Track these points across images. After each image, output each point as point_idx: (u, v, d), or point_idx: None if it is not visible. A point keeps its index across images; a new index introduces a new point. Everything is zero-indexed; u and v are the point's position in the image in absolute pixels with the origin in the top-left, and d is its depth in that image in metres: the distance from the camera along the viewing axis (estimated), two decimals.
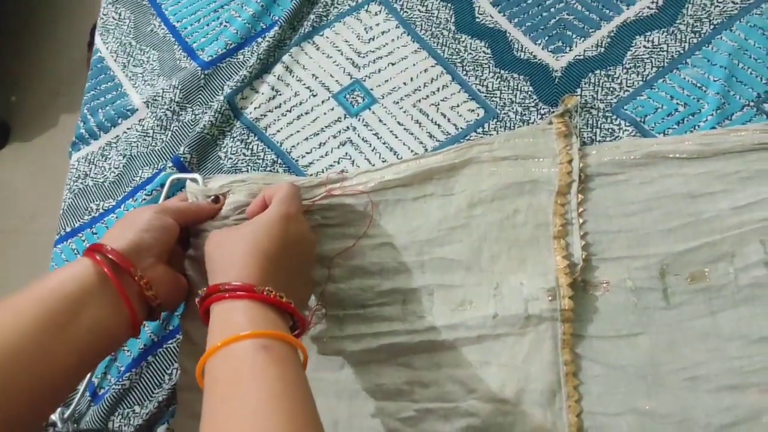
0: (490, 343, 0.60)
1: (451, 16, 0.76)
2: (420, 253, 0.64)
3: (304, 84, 0.76)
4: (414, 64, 0.74)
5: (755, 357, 0.56)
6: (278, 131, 0.74)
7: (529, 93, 0.70)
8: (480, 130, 0.70)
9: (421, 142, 0.70)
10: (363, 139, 0.72)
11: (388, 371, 0.61)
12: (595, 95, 0.68)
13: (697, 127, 0.65)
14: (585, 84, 0.69)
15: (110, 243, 0.54)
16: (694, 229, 0.60)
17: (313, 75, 0.76)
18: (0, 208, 1.88)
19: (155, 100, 0.79)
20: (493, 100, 0.71)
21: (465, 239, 0.64)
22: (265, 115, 0.75)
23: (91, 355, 0.52)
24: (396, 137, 0.71)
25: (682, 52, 0.68)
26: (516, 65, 0.72)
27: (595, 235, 0.62)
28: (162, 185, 0.71)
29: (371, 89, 0.74)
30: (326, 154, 0.72)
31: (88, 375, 0.65)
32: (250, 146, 0.74)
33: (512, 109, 0.70)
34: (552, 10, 0.74)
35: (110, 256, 0.53)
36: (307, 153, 0.73)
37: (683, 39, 0.69)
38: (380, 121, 0.72)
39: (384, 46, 0.76)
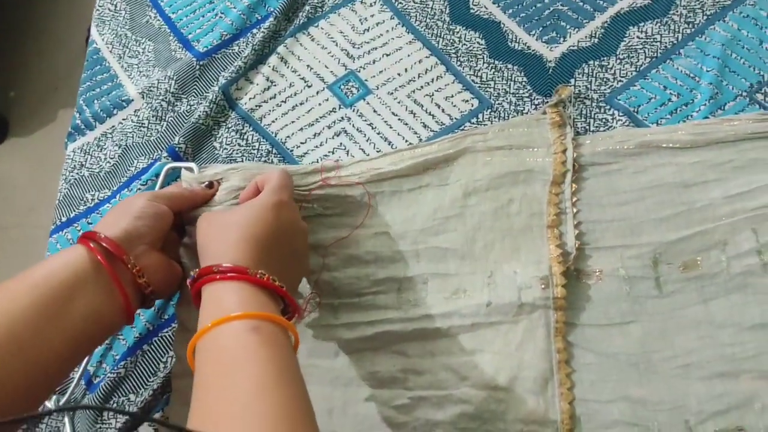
0: (483, 331, 0.60)
1: (445, 7, 0.76)
2: (415, 243, 0.64)
3: (299, 75, 0.76)
4: (409, 55, 0.75)
5: (747, 344, 0.56)
6: (273, 122, 0.75)
7: (523, 83, 0.71)
8: (474, 120, 0.70)
9: (416, 133, 0.71)
10: (358, 129, 0.72)
11: (383, 359, 0.62)
12: (588, 85, 0.69)
13: (690, 117, 0.65)
14: (579, 74, 0.69)
15: (103, 230, 0.54)
16: (687, 218, 0.60)
17: (308, 66, 0.76)
18: None
19: (150, 90, 0.79)
20: (487, 91, 0.71)
21: (460, 228, 0.64)
22: (260, 106, 0.75)
23: (84, 341, 0.52)
24: (390, 127, 0.71)
25: (675, 42, 0.69)
26: (510, 56, 0.72)
27: (588, 224, 0.62)
28: (157, 175, 0.71)
29: (366, 80, 0.74)
30: (321, 145, 0.72)
31: (84, 363, 0.65)
32: (245, 136, 0.74)
33: (506, 99, 0.70)
34: (546, 1, 0.74)
35: (103, 244, 0.53)
36: (302, 143, 0.73)
37: (676, 29, 0.69)
38: (375, 111, 0.73)
39: (379, 37, 0.76)
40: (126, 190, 0.75)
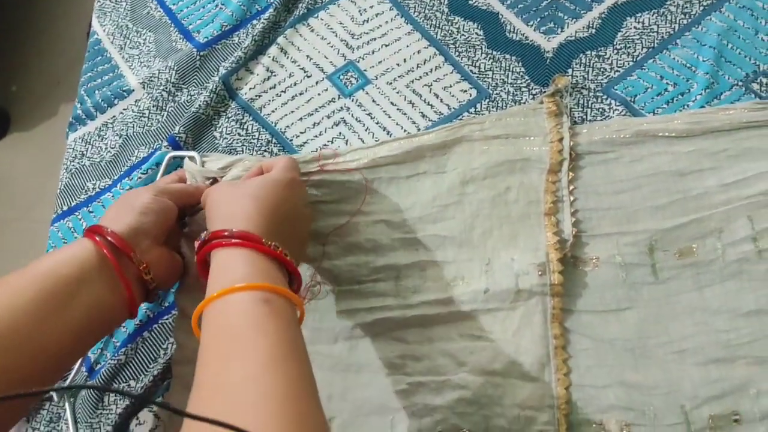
0: (481, 318, 0.61)
1: None
2: (413, 230, 0.65)
3: (299, 65, 0.77)
4: (407, 46, 0.75)
5: (742, 330, 0.57)
6: (273, 111, 0.75)
7: (521, 74, 0.71)
8: (472, 110, 0.70)
9: (414, 122, 0.71)
10: (357, 119, 0.73)
11: (382, 345, 0.62)
12: (586, 75, 0.69)
13: (686, 107, 0.65)
14: (576, 64, 0.70)
15: (109, 225, 0.54)
16: (683, 206, 0.61)
17: (308, 56, 0.77)
18: (0, 196, 1.88)
19: (151, 81, 0.80)
20: (485, 81, 0.71)
21: (458, 216, 0.64)
22: (260, 96, 0.76)
23: (87, 334, 0.53)
24: (389, 117, 0.72)
25: (672, 32, 0.69)
26: (508, 46, 0.73)
27: (585, 212, 0.63)
28: (158, 164, 0.72)
29: (365, 70, 0.75)
30: (320, 134, 0.73)
31: None
32: (245, 126, 0.75)
33: (504, 89, 0.71)
34: None
35: (110, 239, 0.53)
36: (302, 133, 0.73)
37: (673, 20, 0.70)
38: (374, 101, 0.73)
39: (378, 27, 0.77)
40: (126, 179, 0.75)
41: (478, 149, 0.66)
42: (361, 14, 0.78)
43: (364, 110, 0.73)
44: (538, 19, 0.73)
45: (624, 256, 0.61)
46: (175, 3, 0.85)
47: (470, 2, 0.76)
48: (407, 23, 0.76)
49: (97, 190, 0.76)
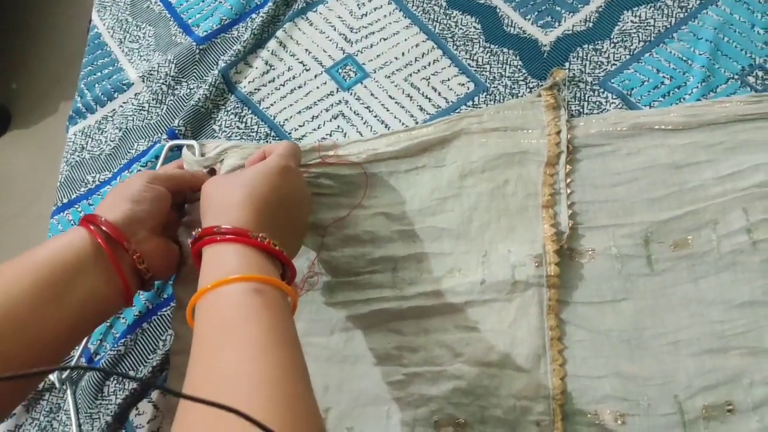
0: (477, 309, 0.61)
1: None
2: (411, 223, 0.65)
3: (298, 59, 0.77)
4: (405, 39, 0.75)
5: (736, 321, 0.57)
6: (272, 105, 0.75)
7: (519, 67, 0.71)
8: (470, 103, 0.71)
9: (412, 116, 0.71)
10: (355, 112, 0.73)
11: (378, 337, 0.63)
12: (583, 69, 0.70)
13: (682, 100, 0.66)
14: (573, 58, 0.70)
15: (104, 214, 0.54)
16: (679, 198, 0.61)
17: (307, 50, 0.77)
18: (0, 194, 1.89)
19: (151, 74, 0.80)
20: (482, 74, 0.72)
21: (456, 209, 0.65)
22: (258, 89, 0.76)
23: (84, 322, 0.53)
24: (387, 110, 0.72)
25: (668, 26, 0.69)
26: (506, 40, 0.73)
27: (582, 204, 0.63)
28: (157, 157, 0.73)
29: (363, 64, 0.75)
30: (318, 127, 0.73)
31: (84, 341, 0.66)
32: (244, 119, 0.75)
33: (502, 82, 0.71)
34: None
35: (104, 228, 0.53)
36: (300, 126, 0.74)
37: (670, 14, 0.70)
38: (372, 94, 0.73)
39: (376, 21, 0.77)
40: (126, 172, 0.76)
41: (476, 142, 0.67)
42: (359, 8, 0.78)
43: (363, 103, 0.73)
44: (536, 13, 0.74)
45: (620, 247, 0.61)
46: None
47: None
48: (405, 17, 0.77)
49: (97, 182, 0.77)
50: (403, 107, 0.72)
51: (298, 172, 0.58)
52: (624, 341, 0.59)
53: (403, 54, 0.75)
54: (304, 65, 0.77)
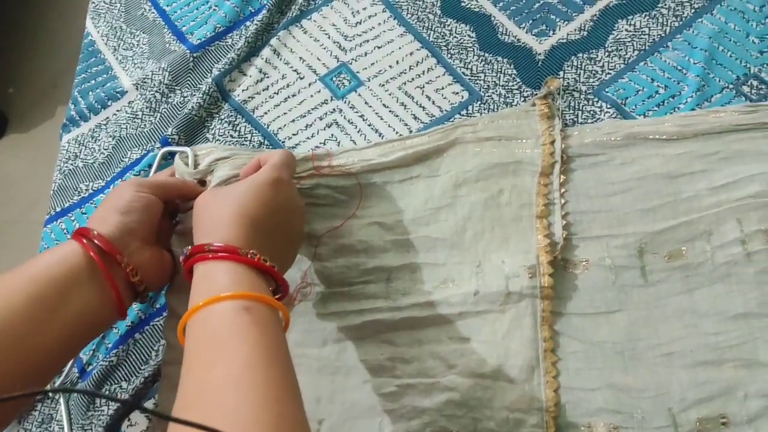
0: (470, 320, 0.61)
1: (437, 1, 0.77)
2: (405, 233, 0.65)
3: (292, 67, 0.77)
4: (400, 48, 0.75)
5: (730, 333, 0.57)
6: (265, 113, 0.75)
7: (513, 76, 0.71)
8: (464, 112, 0.71)
9: (406, 124, 0.71)
10: (349, 120, 0.73)
11: (371, 348, 0.62)
12: (577, 78, 0.69)
13: (677, 109, 0.66)
14: (567, 67, 0.70)
15: (96, 227, 0.54)
16: (673, 209, 0.61)
17: (301, 58, 0.77)
18: None
19: (144, 82, 0.80)
20: (477, 83, 0.72)
21: (450, 218, 0.64)
22: (252, 98, 0.76)
23: (78, 336, 0.53)
24: (381, 119, 0.72)
25: (663, 35, 0.69)
26: (500, 48, 0.73)
27: (576, 214, 0.63)
28: (150, 165, 0.72)
29: (358, 72, 0.75)
30: (312, 136, 0.73)
31: None
32: (238, 128, 0.75)
33: (496, 91, 0.71)
34: None
35: (96, 242, 0.53)
36: (294, 134, 0.73)
37: (665, 23, 0.70)
38: (366, 103, 0.73)
39: (370, 29, 0.77)
40: (120, 180, 0.76)
41: (470, 151, 0.66)
42: (353, 16, 0.78)
43: (357, 112, 0.73)
44: (530, 22, 0.73)
45: (614, 258, 0.61)
46: (168, 5, 0.85)
47: (463, 4, 0.76)
48: (400, 25, 0.76)
49: (90, 191, 0.77)
50: (397, 116, 0.72)
51: (290, 183, 0.57)
52: (618, 353, 0.58)
53: (397, 62, 0.74)
54: (298, 73, 0.76)
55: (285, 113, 0.75)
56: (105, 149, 0.78)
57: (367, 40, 0.77)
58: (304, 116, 0.74)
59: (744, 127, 0.62)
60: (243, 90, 0.76)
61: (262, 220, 0.53)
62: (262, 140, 0.74)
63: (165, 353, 0.64)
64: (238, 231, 0.51)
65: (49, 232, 0.76)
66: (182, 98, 0.79)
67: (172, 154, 0.72)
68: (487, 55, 0.73)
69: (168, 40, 0.83)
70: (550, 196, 0.63)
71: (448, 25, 0.75)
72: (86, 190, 0.77)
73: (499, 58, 0.72)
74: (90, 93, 0.82)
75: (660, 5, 0.70)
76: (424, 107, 0.72)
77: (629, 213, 0.62)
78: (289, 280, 0.55)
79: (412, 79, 0.73)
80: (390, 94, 0.73)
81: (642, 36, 0.70)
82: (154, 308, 0.69)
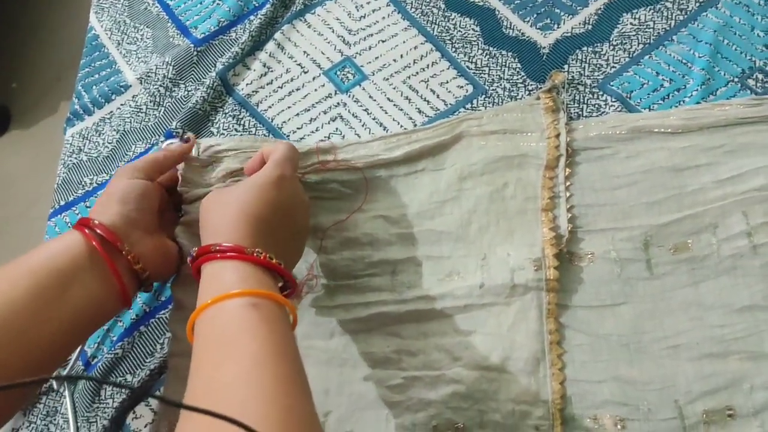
0: (476, 313, 0.61)
1: None
2: (410, 226, 0.65)
3: (296, 61, 0.77)
4: (404, 42, 0.75)
5: (736, 326, 0.57)
6: (270, 107, 0.75)
7: (517, 69, 0.71)
8: (468, 106, 0.71)
9: (411, 118, 0.71)
10: (353, 114, 0.73)
11: (377, 340, 0.62)
12: (582, 71, 0.69)
13: (682, 103, 0.65)
14: (572, 60, 0.70)
15: (98, 216, 0.54)
16: (678, 202, 0.61)
17: (305, 52, 0.77)
18: (0, 194, 1.89)
19: (148, 76, 0.80)
20: (481, 77, 0.72)
21: (455, 212, 0.64)
22: (256, 92, 0.76)
23: (83, 326, 0.53)
24: (386, 113, 0.72)
25: (668, 29, 0.69)
26: (504, 42, 0.73)
27: (581, 207, 0.63)
28: None
29: (362, 66, 0.75)
30: (317, 130, 0.73)
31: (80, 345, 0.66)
32: (242, 122, 0.75)
33: (500, 85, 0.71)
34: None
35: (98, 231, 0.53)
36: (298, 128, 0.73)
37: (669, 16, 0.70)
38: (370, 97, 0.73)
39: (375, 23, 0.77)
40: None
41: (475, 144, 0.66)
42: (357, 10, 0.78)
43: (361, 106, 0.73)
44: (535, 15, 0.73)
45: (619, 251, 0.61)
46: None
47: None
48: (404, 19, 0.76)
49: (95, 185, 0.77)
50: (401, 110, 0.72)
51: (293, 179, 0.58)
52: (623, 345, 0.58)
53: (401, 56, 0.74)
54: (302, 67, 0.76)
55: (289, 107, 0.75)
56: (109, 143, 0.78)
57: (371, 34, 0.76)
58: (308, 110, 0.74)
59: (749, 120, 0.62)
60: (247, 84, 0.76)
61: (267, 219, 0.53)
62: (267, 134, 0.74)
63: (171, 345, 0.64)
64: (244, 231, 0.51)
65: (53, 225, 0.76)
66: (186, 92, 0.79)
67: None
68: (491, 48, 0.73)
69: (172, 34, 0.83)
70: (555, 189, 0.63)
71: (453, 19, 0.75)
72: (90, 184, 0.77)
73: (504, 52, 0.72)
74: (94, 87, 0.82)
75: None
76: (428, 101, 0.72)
77: (635, 206, 0.62)
78: (295, 273, 0.55)
79: (417, 73, 0.73)
80: (394, 88, 0.73)
81: (647, 29, 0.69)
82: (159, 301, 0.69)
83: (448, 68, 0.73)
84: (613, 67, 0.69)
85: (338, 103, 0.74)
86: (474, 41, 0.73)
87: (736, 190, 0.60)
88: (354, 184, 0.66)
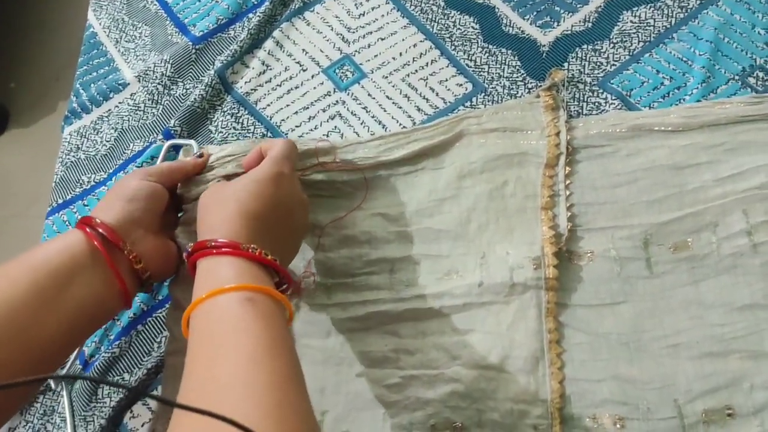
0: (475, 311, 0.61)
1: None
2: (409, 224, 0.64)
3: (295, 59, 0.77)
4: (403, 39, 0.75)
5: (736, 324, 0.57)
6: (268, 105, 0.75)
7: (517, 67, 0.71)
8: (468, 104, 0.70)
9: (410, 116, 0.71)
10: (352, 112, 0.72)
11: (375, 339, 0.62)
12: (582, 69, 0.69)
13: (682, 101, 0.65)
14: (572, 58, 0.70)
15: (100, 215, 0.54)
16: (679, 200, 0.61)
17: (304, 50, 0.77)
18: None
19: (147, 74, 0.80)
20: (481, 75, 0.71)
21: (454, 210, 0.64)
22: (255, 90, 0.76)
23: (83, 325, 0.52)
24: (385, 111, 0.72)
25: (668, 26, 0.69)
26: (504, 40, 0.72)
27: (581, 206, 0.63)
28: (152, 157, 0.72)
29: (361, 64, 0.75)
30: (315, 128, 0.73)
31: None
32: (240, 120, 0.75)
33: (500, 83, 0.70)
34: None
35: (100, 230, 0.53)
36: (297, 126, 0.73)
37: (670, 14, 0.69)
38: (369, 95, 0.73)
39: (374, 21, 0.77)
40: (122, 172, 0.75)
41: (475, 143, 0.66)
42: (357, 8, 0.78)
43: (360, 104, 0.73)
44: (535, 13, 0.73)
45: (619, 250, 0.60)
46: None
47: None
48: (403, 17, 0.76)
49: (93, 183, 0.76)
50: (400, 108, 0.71)
51: (291, 176, 0.57)
52: (623, 344, 0.58)
53: (400, 54, 0.74)
54: (301, 65, 0.76)
55: (288, 105, 0.74)
56: (107, 141, 0.78)
57: (371, 32, 0.76)
58: (307, 108, 0.74)
59: (750, 119, 0.62)
60: (246, 82, 0.76)
61: (264, 216, 0.53)
62: (265, 132, 0.73)
63: (168, 343, 0.64)
64: (240, 226, 0.51)
65: (51, 224, 0.75)
66: (185, 90, 0.78)
67: (176, 147, 0.72)
68: (491, 46, 0.72)
69: (170, 32, 0.83)
70: (555, 188, 0.63)
71: (452, 17, 0.75)
72: (88, 182, 0.76)
73: (504, 50, 0.72)
74: (92, 85, 0.82)
75: None
76: (427, 99, 0.71)
77: (635, 204, 0.61)
78: (293, 270, 0.54)
79: (416, 71, 0.73)
80: (393, 86, 0.73)
81: (647, 27, 0.69)
82: (156, 300, 0.69)
83: (447, 66, 0.73)
84: (614, 65, 0.68)
85: (337, 101, 0.73)
86: (473, 39, 0.73)
87: (736, 189, 0.60)
88: (353, 182, 0.66)
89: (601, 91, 0.67)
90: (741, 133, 0.62)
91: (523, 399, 0.57)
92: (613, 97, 0.67)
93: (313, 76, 0.75)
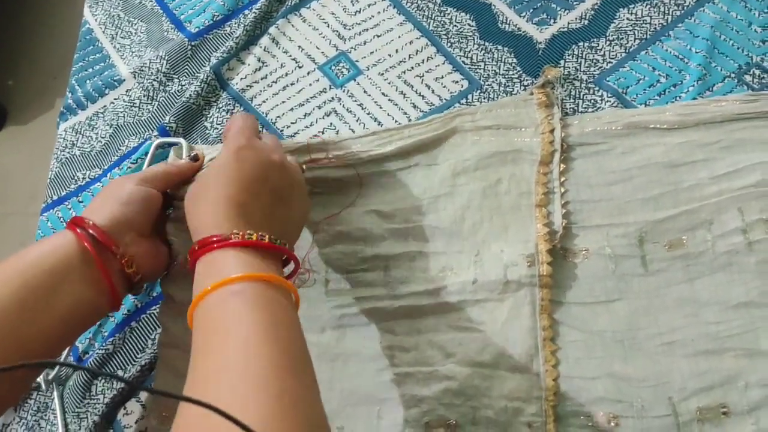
0: (469, 309, 0.60)
1: None
2: (404, 221, 0.64)
3: (290, 55, 0.76)
4: (399, 36, 0.75)
5: (732, 323, 0.56)
6: (264, 102, 0.75)
7: (513, 65, 0.71)
8: (464, 101, 0.70)
9: (405, 113, 0.71)
10: (348, 109, 0.72)
11: (370, 336, 0.62)
12: (578, 67, 0.69)
13: (678, 98, 0.65)
14: (568, 56, 0.70)
15: (92, 216, 0.53)
16: (674, 198, 0.61)
17: (300, 47, 0.77)
18: None
19: (142, 70, 0.80)
20: (477, 72, 0.71)
21: (448, 207, 0.64)
22: (251, 86, 0.76)
23: (71, 327, 0.52)
24: (380, 108, 0.72)
25: (664, 24, 0.69)
26: (500, 37, 0.72)
27: (576, 203, 0.62)
28: (146, 154, 0.72)
29: (357, 61, 0.75)
30: (311, 125, 0.72)
31: None
32: None
33: (496, 80, 0.70)
34: None
35: (91, 231, 0.52)
36: (292, 123, 0.73)
37: (666, 11, 0.69)
38: (365, 92, 0.73)
39: (370, 18, 0.77)
40: (116, 169, 0.75)
41: (469, 140, 0.66)
42: (353, 4, 0.78)
43: (356, 101, 0.72)
44: (531, 10, 0.73)
45: (614, 247, 0.60)
46: None
47: None
48: (399, 14, 0.76)
49: (87, 179, 0.76)
50: (396, 105, 0.71)
51: (252, 146, 0.54)
52: (618, 342, 0.58)
53: (396, 51, 0.74)
54: (296, 62, 0.76)
55: (283, 102, 0.74)
56: (102, 138, 0.78)
57: (367, 29, 0.76)
58: (303, 105, 0.74)
59: (746, 116, 0.61)
60: (241, 78, 0.76)
61: (239, 197, 0.51)
62: (261, 129, 0.73)
63: (161, 336, 0.64)
64: (221, 218, 0.50)
65: (46, 220, 0.75)
66: (180, 87, 0.78)
67: (167, 146, 0.72)
68: (487, 43, 0.72)
69: (166, 28, 0.83)
70: (549, 185, 0.63)
71: (448, 14, 0.75)
72: (83, 178, 0.76)
73: (500, 47, 0.72)
74: (87, 81, 0.82)
75: None
76: (423, 96, 0.71)
77: (630, 202, 0.61)
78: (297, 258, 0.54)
79: (412, 68, 0.73)
80: (389, 83, 0.73)
81: (643, 25, 0.69)
82: (150, 297, 0.68)
83: (443, 63, 0.72)
84: (609, 62, 0.68)
85: (333, 98, 0.73)
86: (470, 36, 0.73)
87: (732, 186, 0.60)
88: (346, 179, 0.66)
89: (597, 88, 0.67)
90: (737, 131, 0.61)
91: (518, 396, 0.57)
92: (609, 95, 0.67)
93: (308, 73, 0.75)
